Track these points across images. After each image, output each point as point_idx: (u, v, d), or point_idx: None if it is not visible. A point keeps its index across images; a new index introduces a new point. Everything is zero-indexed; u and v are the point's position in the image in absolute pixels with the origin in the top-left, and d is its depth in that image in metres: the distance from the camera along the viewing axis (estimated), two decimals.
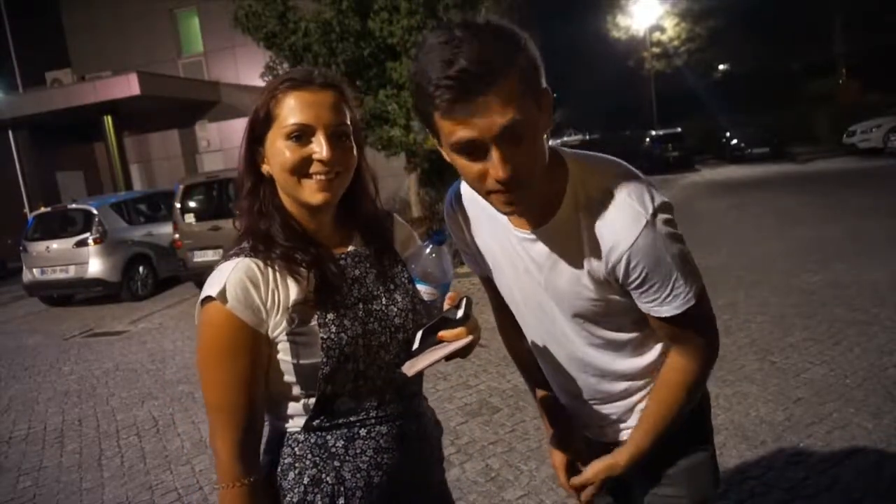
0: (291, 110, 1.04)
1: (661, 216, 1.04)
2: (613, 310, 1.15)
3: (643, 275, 1.06)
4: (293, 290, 1.05)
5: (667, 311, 1.09)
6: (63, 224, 9.42)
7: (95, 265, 8.86)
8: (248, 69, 14.23)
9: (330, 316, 1.05)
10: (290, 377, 1.06)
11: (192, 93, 15.80)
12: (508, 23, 0.96)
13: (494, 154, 0.92)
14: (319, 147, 1.04)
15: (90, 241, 8.88)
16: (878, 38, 24.78)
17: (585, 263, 1.10)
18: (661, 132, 24.42)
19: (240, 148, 1.11)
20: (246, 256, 1.05)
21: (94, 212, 9.06)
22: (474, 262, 1.34)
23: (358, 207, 1.17)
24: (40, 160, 16.52)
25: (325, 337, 1.04)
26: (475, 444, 3.37)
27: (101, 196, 12.95)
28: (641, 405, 1.26)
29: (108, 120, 14.87)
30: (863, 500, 2.49)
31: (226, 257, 1.07)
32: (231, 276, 1.02)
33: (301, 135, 1.04)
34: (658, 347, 1.23)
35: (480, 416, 3.71)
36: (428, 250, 1.10)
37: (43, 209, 9.87)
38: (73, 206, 9.71)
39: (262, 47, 8.75)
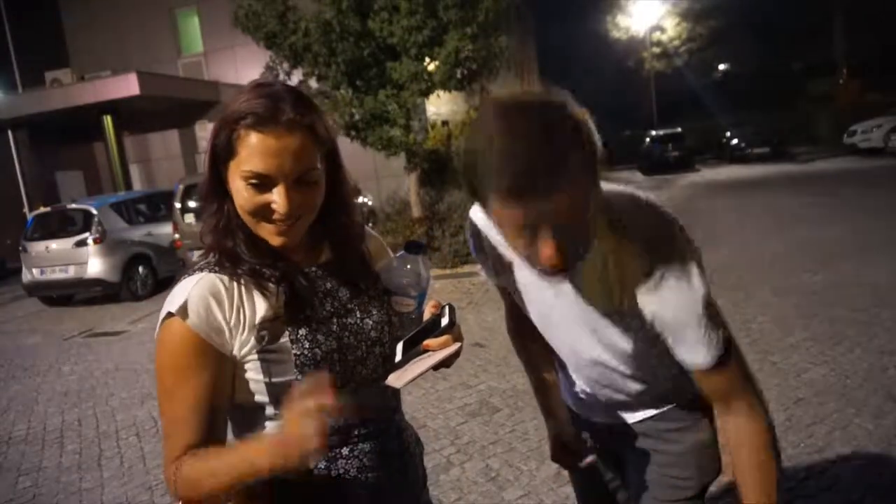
0: (251, 154, 0.93)
1: (680, 264, 1.04)
2: (633, 343, 1.15)
3: (671, 320, 1.06)
4: (260, 306, 0.99)
5: (693, 360, 1.09)
6: (63, 224, 9.41)
7: (95, 265, 8.85)
8: (248, 69, 14.22)
9: (302, 331, 1.00)
10: (261, 397, 1.00)
11: (191, 93, 15.81)
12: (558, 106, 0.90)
13: (545, 240, 0.91)
14: (279, 198, 0.95)
15: (90, 241, 8.87)
16: (877, 38, 24.78)
17: (614, 298, 1.09)
18: (661, 132, 24.40)
19: (204, 163, 1.03)
20: (210, 272, 0.99)
21: (94, 212, 9.05)
22: (494, 273, 1.31)
23: (330, 221, 1.09)
24: (40, 160, 16.51)
25: (297, 353, 0.99)
26: (475, 444, 3.36)
27: (100, 196, 12.94)
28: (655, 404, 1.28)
29: (108, 120, 14.87)
30: (863, 501, 2.49)
31: (189, 272, 1.01)
32: (193, 291, 0.96)
33: (259, 184, 0.95)
34: (651, 384, 1.24)
35: (480, 416, 3.70)
36: (403, 261, 1.07)
37: (42, 209, 9.85)
38: (73, 206, 9.70)
39: (262, 47, 8.75)
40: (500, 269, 1.26)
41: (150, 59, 16.53)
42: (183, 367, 0.96)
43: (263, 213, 0.97)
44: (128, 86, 13.86)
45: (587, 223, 0.95)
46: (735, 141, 23.42)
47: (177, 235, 8.87)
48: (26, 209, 15.50)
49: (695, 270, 1.04)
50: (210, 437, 0.98)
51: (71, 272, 8.93)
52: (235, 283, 0.99)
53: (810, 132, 23.40)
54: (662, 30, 32.97)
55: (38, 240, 9.19)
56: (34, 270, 9.13)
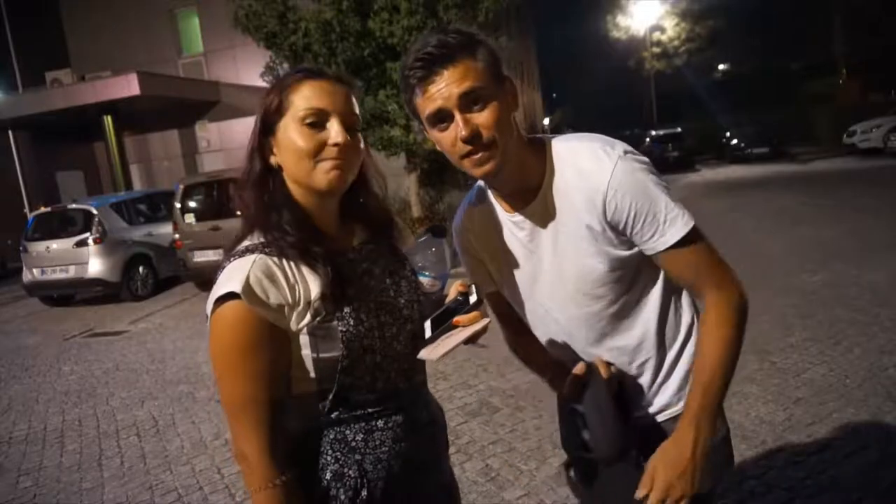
0: (307, 97, 1.06)
1: (632, 155, 1.14)
2: (614, 269, 1.18)
3: (634, 207, 1.12)
4: (313, 285, 1.06)
5: (671, 236, 1.13)
6: (63, 224, 9.41)
7: (95, 265, 8.85)
8: (248, 69, 14.22)
9: (347, 309, 1.06)
10: (309, 372, 1.07)
11: (191, 93, 15.79)
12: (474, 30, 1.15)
13: (457, 117, 1.08)
14: (334, 131, 1.05)
15: (90, 241, 8.87)
16: (878, 39, 24.79)
17: (580, 219, 1.16)
18: (661, 132, 24.41)
19: (250, 139, 1.12)
20: (261, 253, 1.05)
21: (94, 212, 9.06)
22: (485, 277, 1.36)
23: (360, 202, 1.19)
24: (40, 160, 16.52)
25: (344, 330, 1.05)
26: (475, 444, 3.36)
27: (101, 196, 12.94)
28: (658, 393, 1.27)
29: (108, 120, 14.86)
30: (863, 501, 2.49)
31: (239, 253, 1.06)
32: (251, 273, 1.01)
33: (316, 121, 1.05)
34: (641, 323, 1.24)
35: (480, 416, 3.71)
36: (428, 243, 1.13)
37: (43, 209, 9.85)
38: (73, 206, 9.70)
39: (262, 47, 8.76)
40: (488, 258, 1.32)
41: (151, 60, 16.51)
42: (246, 348, 1.01)
43: (318, 152, 1.06)
44: (128, 86, 13.85)
45: (497, 119, 1.09)
46: (735, 141, 23.42)
47: (177, 235, 8.86)
48: (27, 209, 15.51)
49: (640, 166, 1.14)
50: (278, 414, 1.05)
51: (71, 272, 8.93)
52: (286, 263, 1.05)
53: (810, 132, 23.40)
54: (662, 30, 32.95)
55: (38, 240, 9.19)
56: (35, 270, 9.13)
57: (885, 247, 6.56)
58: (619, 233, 1.15)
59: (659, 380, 1.28)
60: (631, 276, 1.21)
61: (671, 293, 1.25)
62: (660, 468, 1.16)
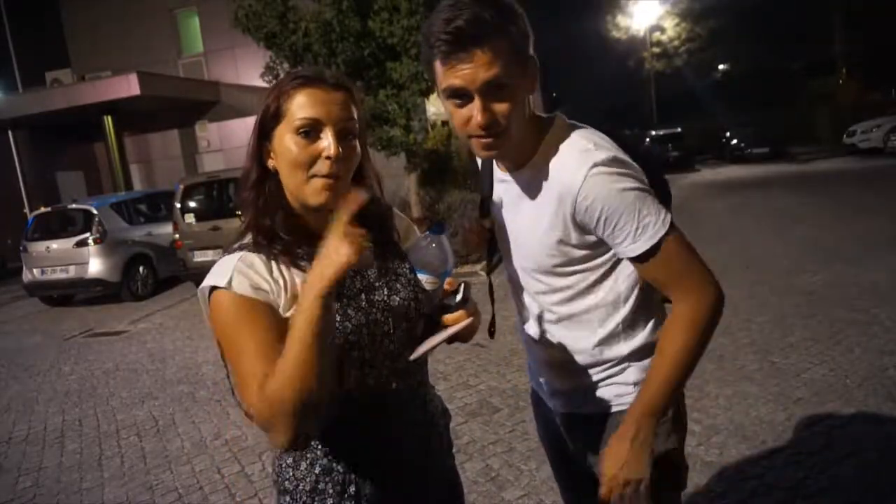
0: (301, 106, 1.06)
1: (609, 164, 1.12)
2: (567, 261, 1.21)
3: (603, 213, 1.12)
4: (298, 280, 1.07)
5: (641, 245, 1.12)
6: (63, 224, 9.42)
7: (95, 265, 8.86)
8: (248, 69, 14.22)
9: (333, 306, 1.06)
10: None
11: (191, 93, 15.78)
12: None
13: (476, 102, 1.07)
14: (327, 143, 1.05)
15: (90, 241, 8.88)
16: (877, 38, 24.79)
17: (547, 207, 1.18)
18: (661, 132, 24.42)
19: (248, 142, 1.13)
20: (249, 251, 1.07)
21: (94, 212, 9.06)
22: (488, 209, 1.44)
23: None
24: (40, 160, 16.50)
25: None
26: (475, 444, 3.37)
27: (101, 196, 12.94)
28: (604, 386, 1.29)
29: (108, 120, 14.85)
30: (863, 501, 2.49)
31: (229, 251, 1.08)
32: (237, 266, 1.04)
33: (310, 130, 1.05)
34: (607, 329, 1.26)
35: (480, 416, 3.71)
36: (428, 241, 1.13)
37: (43, 209, 9.85)
38: (73, 206, 9.70)
39: (262, 47, 8.76)
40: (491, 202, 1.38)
41: (151, 60, 16.50)
42: (241, 320, 1.01)
43: (312, 163, 1.05)
44: (128, 86, 13.84)
45: (513, 109, 1.09)
46: (735, 141, 23.45)
47: (177, 235, 8.86)
48: (27, 209, 15.49)
49: (620, 169, 1.12)
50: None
51: (71, 272, 8.93)
52: (273, 261, 1.07)
53: (810, 132, 23.42)
54: (662, 30, 32.96)
55: (38, 240, 9.19)
56: (35, 270, 9.13)
57: (885, 247, 6.56)
58: (585, 231, 1.17)
59: (579, 388, 1.32)
60: (583, 273, 1.23)
61: (631, 310, 1.26)
62: (606, 462, 1.21)
